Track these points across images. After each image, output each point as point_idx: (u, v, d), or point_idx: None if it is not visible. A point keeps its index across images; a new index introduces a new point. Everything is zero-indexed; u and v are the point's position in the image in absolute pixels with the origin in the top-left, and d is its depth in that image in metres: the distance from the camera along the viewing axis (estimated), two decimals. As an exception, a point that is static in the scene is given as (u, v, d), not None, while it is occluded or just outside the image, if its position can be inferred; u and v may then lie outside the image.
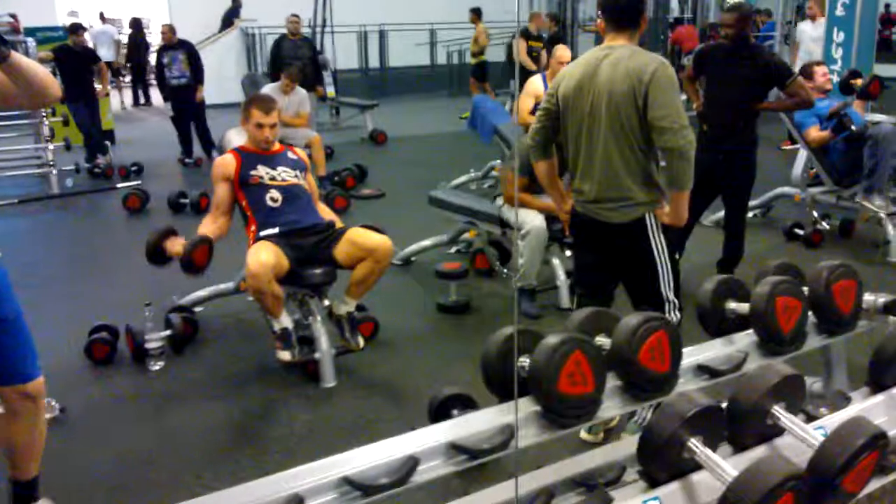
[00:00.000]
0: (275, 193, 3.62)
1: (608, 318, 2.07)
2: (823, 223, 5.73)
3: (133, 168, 8.44)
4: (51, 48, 8.86)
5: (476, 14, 12.11)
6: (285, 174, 3.69)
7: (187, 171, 8.90)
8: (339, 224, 3.74)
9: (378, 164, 8.56)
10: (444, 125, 11.89)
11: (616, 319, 2.08)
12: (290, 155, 3.82)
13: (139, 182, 8.01)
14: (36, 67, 2.04)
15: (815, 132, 5.32)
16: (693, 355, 2.04)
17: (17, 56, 1.93)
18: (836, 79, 6.63)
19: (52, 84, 2.10)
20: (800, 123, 5.37)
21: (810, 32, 8.45)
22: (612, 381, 1.85)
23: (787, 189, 5.87)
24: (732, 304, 2.28)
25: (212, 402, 3.42)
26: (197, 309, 4.26)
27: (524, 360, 1.89)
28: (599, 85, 2.81)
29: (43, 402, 2.45)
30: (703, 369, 2.04)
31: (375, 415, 3.28)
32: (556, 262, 4.45)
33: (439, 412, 3.01)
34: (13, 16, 12.80)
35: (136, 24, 14.85)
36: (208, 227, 3.66)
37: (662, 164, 2.85)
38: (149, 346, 3.71)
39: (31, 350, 2.35)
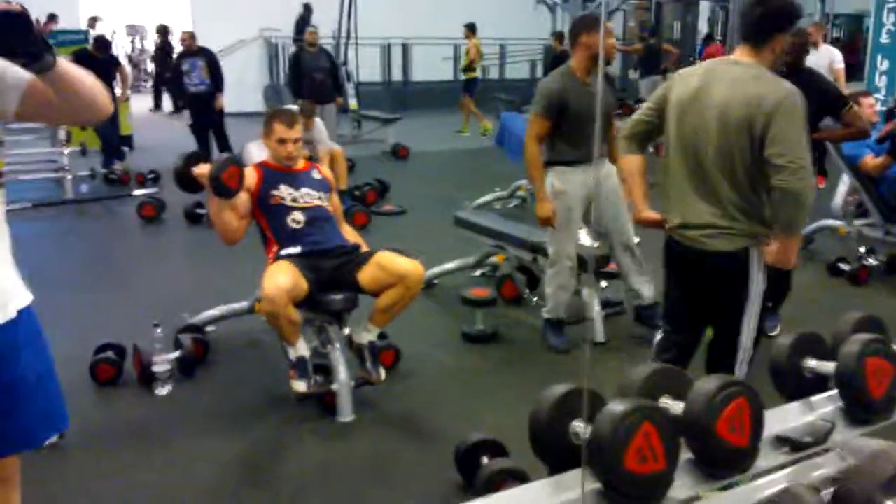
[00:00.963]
0: (297, 215, 3.40)
1: (674, 377, 1.83)
2: (870, 259, 5.44)
3: (150, 175, 8.26)
4: (71, 52, 8.71)
5: (470, 29, 11.89)
6: (308, 196, 3.46)
7: (205, 180, 8.70)
8: (364, 247, 3.51)
9: (399, 179, 8.35)
10: (466, 141, 11.69)
11: (682, 378, 1.84)
12: (316, 175, 3.59)
13: (156, 190, 7.83)
14: (84, 78, 1.67)
15: (871, 160, 5.03)
16: (769, 422, 1.78)
17: (64, 64, 1.58)
18: (880, 107, 6.38)
19: (103, 97, 1.72)
20: (852, 155, 5.10)
21: (813, 61, 7.67)
22: (682, 454, 1.60)
23: (830, 221, 5.59)
24: (812, 363, 2.02)
25: (221, 433, 3.18)
26: (209, 328, 4.03)
27: (579, 426, 1.65)
28: (713, 102, 2.55)
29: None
30: (782, 441, 1.78)
31: (394, 456, 3.03)
32: (585, 293, 4.19)
33: (466, 459, 2.76)
34: (52, 16, 12.60)
35: (164, 31, 14.78)
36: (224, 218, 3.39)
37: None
38: (156, 368, 3.49)
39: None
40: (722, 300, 2.72)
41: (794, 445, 1.77)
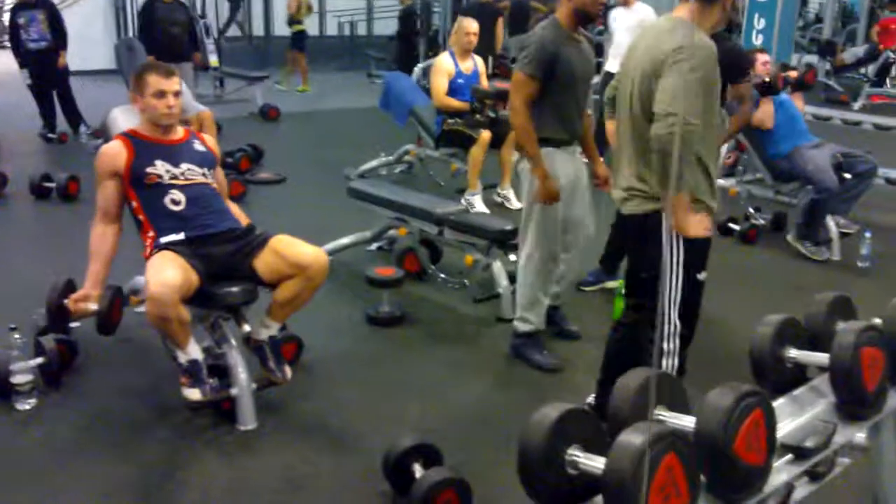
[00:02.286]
0: (176, 195, 2.93)
1: (667, 385, 1.60)
2: (758, 218, 5.52)
3: (-15, 144, 7.28)
4: None
5: None
6: (191, 172, 2.99)
7: (51, 148, 7.79)
8: (255, 229, 3.09)
9: (272, 143, 7.76)
10: (338, 101, 11.15)
11: (675, 385, 1.61)
12: (198, 146, 3.11)
13: (-8, 161, 6.91)
14: None
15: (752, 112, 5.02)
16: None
17: None
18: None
19: None
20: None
21: (624, 20, 6.42)
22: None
23: (721, 182, 5.61)
24: (794, 353, 1.85)
25: (102, 454, 2.72)
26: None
27: (577, 455, 1.39)
28: (633, 62, 2.48)
29: None
30: (786, 449, 1.59)
31: (310, 467, 2.68)
32: (496, 265, 3.95)
33: (397, 469, 2.46)
34: None
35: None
36: (102, 247, 2.99)
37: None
38: (15, 380, 2.94)
39: None
40: (637, 265, 2.64)
41: (798, 453, 1.59)
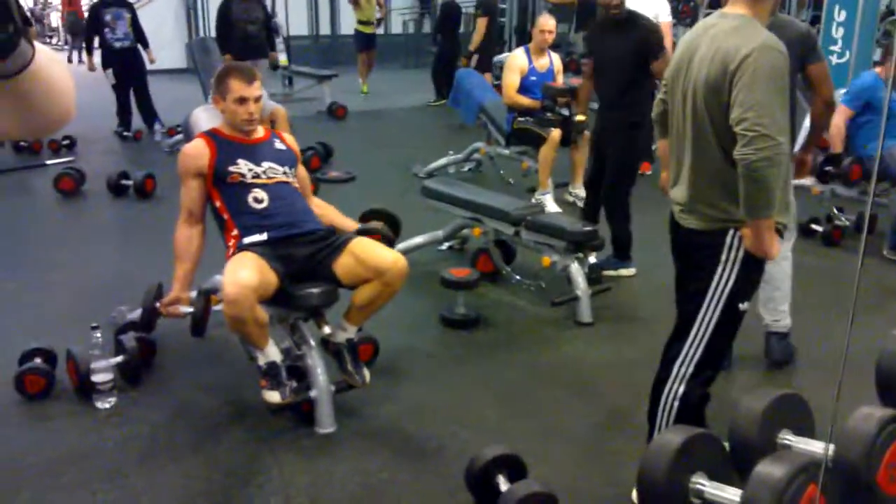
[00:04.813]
0: (259, 193, 2.91)
1: (793, 406, 1.48)
2: (843, 218, 5.27)
3: (64, 142, 7.47)
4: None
5: None
6: (272, 171, 2.97)
7: (126, 146, 7.97)
8: (342, 220, 3.06)
9: (341, 141, 7.79)
10: (404, 99, 11.14)
11: (801, 406, 1.50)
12: (279, 145, 3.10)
13: (72, 158, 7.09)
14: (62, 75, 1.00)
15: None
16: None
17: (44, 56, 0.92)
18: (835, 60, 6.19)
19: (72, 98, 1.03)
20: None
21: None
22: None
23: (803, 181, 5.37)
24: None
25: (181, 456, 2.71)
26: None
27: (704, 484, 1.29)
28: (695, 66, 2.24)
29: None
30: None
31: (388, 474, 2.62)
32: (574, 267, 3.84)
33: (481, 481, 2.38)
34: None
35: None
36: (188, 249, 2.99)
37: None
38: (96, 378, 2.97)
39: None
40: (685, 283, 2.45)
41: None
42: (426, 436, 2.86)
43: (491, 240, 4.25)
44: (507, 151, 6.13)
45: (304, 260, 2.84)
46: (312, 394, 2.81)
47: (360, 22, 10.70)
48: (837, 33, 7.11)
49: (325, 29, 15.50)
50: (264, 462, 2.67)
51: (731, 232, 2.27)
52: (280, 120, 5.97)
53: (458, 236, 4.57)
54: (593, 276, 4.02)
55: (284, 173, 3.00)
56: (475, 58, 9.22)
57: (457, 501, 2.45)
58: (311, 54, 13.73)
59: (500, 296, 4.14)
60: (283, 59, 10.26)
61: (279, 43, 10.31)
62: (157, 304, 3.15)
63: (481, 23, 9.30)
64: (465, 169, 6.73)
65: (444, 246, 4.67)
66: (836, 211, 5.32)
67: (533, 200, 5.30)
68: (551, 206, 5.42)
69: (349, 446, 2.77)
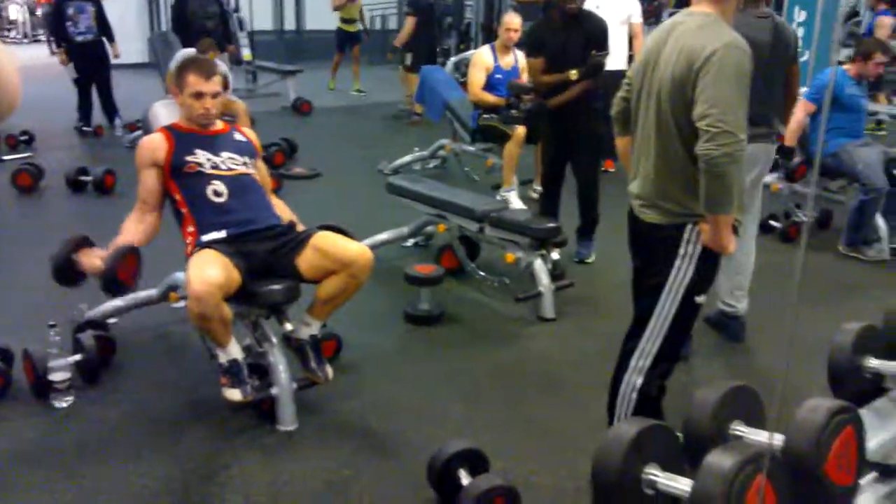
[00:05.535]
0: (218, 186, 2.88)
1: (745, 398, 1.51)
2: (801, 215, 5.37)
3: (22, 137, 7.31)
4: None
5: None
6: (232, 162, 2.95)
7: (86, 141, 7.83)
8: (299, 225, 3.03)
9: (306, 137, 7.75)
10: (371, 95, 11.09)
11: (753, 398, 1.52)
12: (238, 136, 3.08)
13: (30, 154, 6.94)
14: (4, 64, 1.12)
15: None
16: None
17: None
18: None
19: (16, 94, 1.18)
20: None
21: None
22: None
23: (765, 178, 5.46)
24: (874, 363, 1.75)
25: (139, 455, 2.67)
26: (111, 321, 3.46)
27: (656, 475, 1.31)
28: (661, 64, 2.27)
29: None
30: (873, 466, 1.50)
31: (351, 470, 2.62)
32: (537, 263, 3.86)
33: (442, 476, 2.39)
34: None
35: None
36: (133, 229, 2.91)
37: None
38: (53, 377, 2.92)
39: None
40: (643, 276, 2.49)
41: (884, 471, 1.49)
42: (390, 432, 2.86)
43: (455, 236, 4.26)
44: (472, 148, 6.14)
45: (265, 256, 2.82)
46: (274, 391, 2.80)
47: (344, 20, 10.60)
48: (797, 33, 7.23)
49: (290, 23, 15.37)
50: (224, 460, 2.65)
51: (689, 227, 2.30)
52: (240, 115, 5.92)
53: (423, 233, 4.58)
54: (557, 272, 4.05)
55: (244, 164, 2.98)
56: (409, 56, 9.20)
57: (420, 497, 2.46)
58: (276, 49, 13.61)
59: (465, 292, 4.15)
60: (246, 53, 10.16)
61: (243, 37, 10.23)
62: (76, 255, 2.93)
63: (410, 21, 9.31)
64: (431, 166, 6.72)
65: (409, 242, 4.67)
66: (794, 207, 5.41)
67: (498, 197, 5.32)
68: (516, 203, 5.43)
69: (311, 443, 2.76)
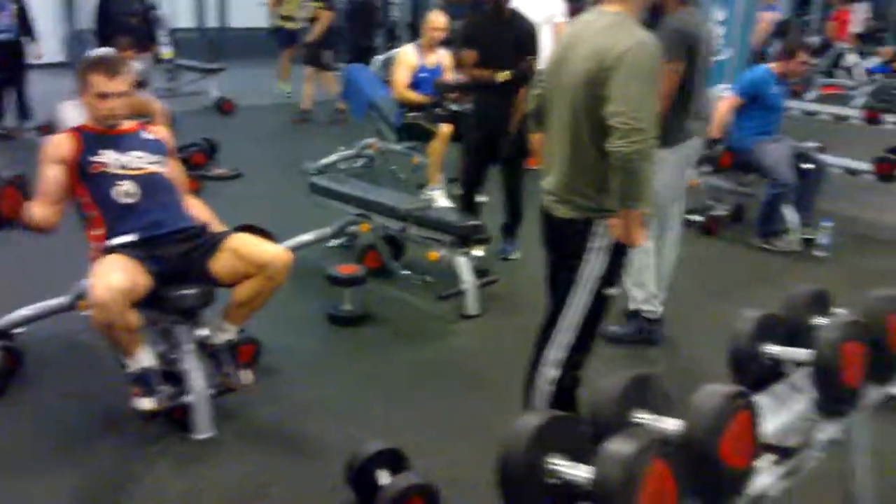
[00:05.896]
0: (127, 186, 2.78)
1: (649, 387, 1.53)
2: (719, 209, 5.52)
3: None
4: None
5: None
6: (140, 161, 2.85)
7: (-2, 144, 7.50)
8: (214, 226, 2.95)
9: (228, 138, 7.53)
10: (297, 95, 10.92)
11: (657, 386, 1.55)
12: (146, 135, 2.97)
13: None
14: None
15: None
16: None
17: None
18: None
19: None
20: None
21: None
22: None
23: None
24: (773, 349, 1.79)
25: (47, 467, 2.57)
26: (17, 330, 3.31)
27: (559, 464, 1.32)
28: (573, 62, 2.30)
29: None
30: (769, 449, 1.54)
31: (269, 476, 2.57)
32: (460, 261, 3.86)
33: (361, 477, 2.36)
34: None
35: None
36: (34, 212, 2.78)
37: None
38: (-46, 390, 2.78)
39: None
40: (556, 270, 2.54)
41: (780, 452, 1.54)
42: (310, 435, 2.82)
43: (379, 236, 4.23)
44: (398, 147, 6.11)
45: (177, 259, 2.74)
46: (188, 399, 2.72)
47: (283, 17, 10.37)
48: (717, 32, 7.44)
49: (212, 20, 15.03)
50: (136, 471, 2.56)
51: (600, 221, 2.34)
52: (157, 115, 5.75)
53: (346, 233, 4.53)
54: (481, 269, 4.06)
55: (155, 163, 2.88)
56: (327, 53, 9.13)
57: (338, 500, 2.42)
58: (199, 47, 13.29)
59: (389, 292, 4.12)
60: (167, 51, 9.89)
61: (162, 35, 9.95)
62: None
63: (325, 17, 9.19)
64: (357, 165, 6.65)
65: (334, 243, 4.61)
66: (712, 202, 5.54)
67: (423, 196, 5.30)
68: (441, 201, 5.43)
69: (228, 450, 2.69)
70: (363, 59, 9.23)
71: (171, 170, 3.00)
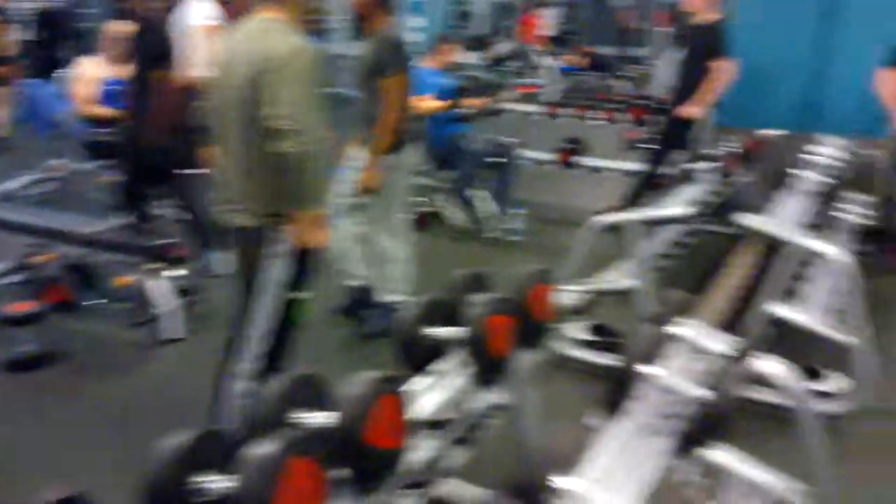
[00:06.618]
0: None
1: (312, 385, 1.53)
2: (434, 203, 5.74)
3: None
4: None
5: None
6: None
7: None
8: None
9: None
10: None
11: (322, 384, 1.55)
12: None
13: None
14: None
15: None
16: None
17: None
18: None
19: None
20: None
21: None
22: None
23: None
24: (433, 330, 1.88)
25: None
26: None
27: (203, 480, 1.26)
28: (235, 69, 2.28)
29: None
30: (427, 424, 1.60)
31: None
32: (153, 283, 3.62)
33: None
34: None
35: None
36: None
37: None
38: None
39: None
40: (242, 277, 2.49)
41: (434, 426, 1.61)
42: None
43: (63, 265, 3.84)
44: (88, 166, 5.63)
45: None
46: None
47: None
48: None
49: None
50: None
51: (280, 226, 2.31)
52: None
53: (24, 266, 4.06)
54: (186, 288, 3.85)
55: None
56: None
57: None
58: None
59: (78, 326, 3.76)
60: None
61: None
62: None
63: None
64: (46, 190, 6.02)
65: (8, 280, 4.10)
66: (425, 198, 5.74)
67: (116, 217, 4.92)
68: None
69: None
70: (48, 73, 8.43)
71: None
